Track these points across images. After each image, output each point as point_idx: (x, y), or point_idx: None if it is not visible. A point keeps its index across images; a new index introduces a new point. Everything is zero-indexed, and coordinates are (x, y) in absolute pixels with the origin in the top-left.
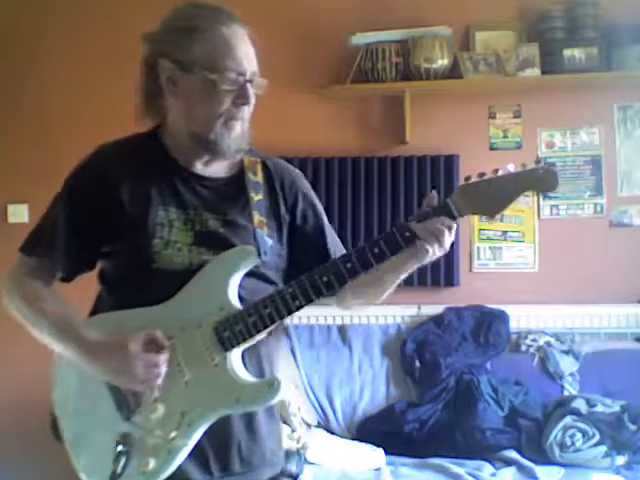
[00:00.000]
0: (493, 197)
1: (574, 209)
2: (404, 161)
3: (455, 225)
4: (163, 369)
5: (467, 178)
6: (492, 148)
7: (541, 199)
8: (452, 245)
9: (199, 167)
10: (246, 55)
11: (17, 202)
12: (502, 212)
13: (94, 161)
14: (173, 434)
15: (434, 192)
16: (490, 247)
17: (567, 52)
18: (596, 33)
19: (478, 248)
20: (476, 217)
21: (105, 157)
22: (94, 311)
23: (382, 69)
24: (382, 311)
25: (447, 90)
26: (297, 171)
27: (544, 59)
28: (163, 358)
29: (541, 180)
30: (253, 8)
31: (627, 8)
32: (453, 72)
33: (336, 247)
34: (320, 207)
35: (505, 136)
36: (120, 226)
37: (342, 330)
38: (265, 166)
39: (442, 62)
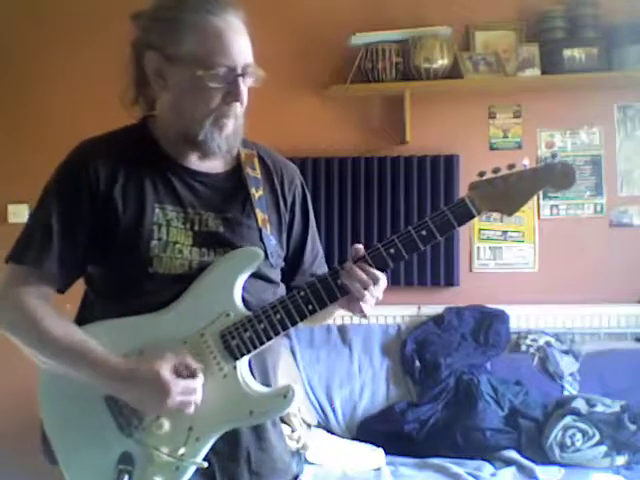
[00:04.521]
0: (511, 194)
1: (574, 209)
2: (404, 161)
3: (384, 276)
4: (199, 395)
5: (481, 174)
6: (492, 148)
7: (541, 199)
8: (452, 245)
9: (194, 161)
10: (239, 48)
11: (17, 202)
12: (520, 209)
13: (80, 157)
14: (182, 450)
15: (358, 245)
16: (490, 247)
17: (567, 52)
18: (596, 33)
19: (478, 248)
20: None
21: (91, 152)
22: (81, 317)
23: (382, 69)
24: (382, 311)
25: (447, 90)
26: (293, 166)
27: (544, 59)
28: (199, 383)
29: (559, 176)
30: (253, 8)
31: (627, 8)
32: (453, 72)
33: (313, 254)
34: (311, 212)
35: (505, 136)
36: (113, 226)
37: (342, 330)
38: (262, 159)
39: (442, 62)
